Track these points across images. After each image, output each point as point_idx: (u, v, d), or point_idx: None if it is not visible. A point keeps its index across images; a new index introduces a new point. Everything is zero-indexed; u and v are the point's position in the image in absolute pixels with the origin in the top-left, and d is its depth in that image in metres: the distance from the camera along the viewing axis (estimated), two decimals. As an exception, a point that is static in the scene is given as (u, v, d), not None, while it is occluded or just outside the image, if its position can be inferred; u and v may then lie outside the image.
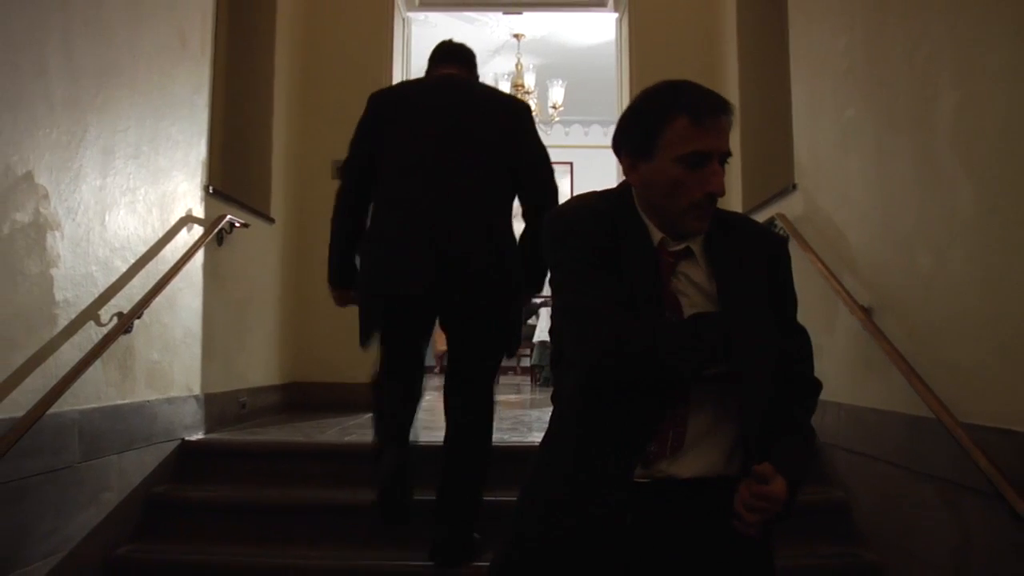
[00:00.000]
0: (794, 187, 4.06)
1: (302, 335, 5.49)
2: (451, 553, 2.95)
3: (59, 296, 2.76)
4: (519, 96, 9.44)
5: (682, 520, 1.52)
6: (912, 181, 2.91)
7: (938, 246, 2.73)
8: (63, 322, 2.78)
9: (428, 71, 3.30)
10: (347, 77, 5.74)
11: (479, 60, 3.50)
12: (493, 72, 9.98)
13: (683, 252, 1.57)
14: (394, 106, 3.11)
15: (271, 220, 4.94)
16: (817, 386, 1.72)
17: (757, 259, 1.60)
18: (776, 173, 4.54)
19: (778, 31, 4.39)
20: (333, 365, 5.51)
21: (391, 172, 3.00)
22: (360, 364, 5.45)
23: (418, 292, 2.87)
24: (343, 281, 3.18)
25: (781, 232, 3.97)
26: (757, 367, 1.53)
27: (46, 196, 2.68)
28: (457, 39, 3.35)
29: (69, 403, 2.75)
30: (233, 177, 4.66)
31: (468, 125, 3.01)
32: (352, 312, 5.25)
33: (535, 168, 3.11)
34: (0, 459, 2.33)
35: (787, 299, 1.67)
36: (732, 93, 5.14)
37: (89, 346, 2.87)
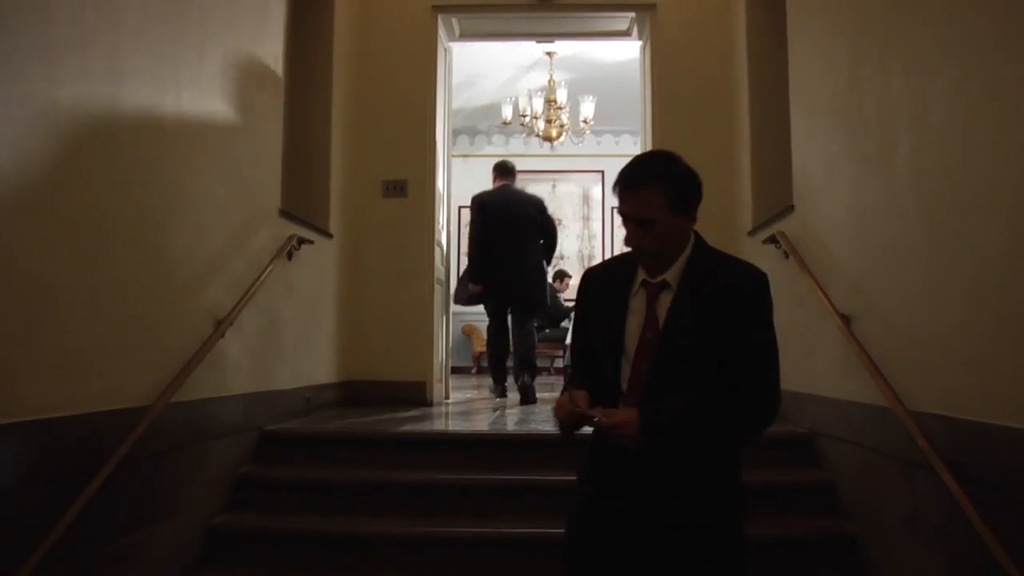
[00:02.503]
0: (792, 208, 4.60)
1: (356, 338, 6.12)
2: (528, 397, 6.39)
3: (173, 308, 3.38)
4: (552, 111, 10.03)
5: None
6: (878, 208, 3.45)
7: (896, 263, 3.28)
8: (175, 328, 3.40)
9: (494, 178, 7.20)
10: (395, 104, 6.37)
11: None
12: (527, 88, 10.52)
13: (661, 284, 2.12)
14: (488, 204, 6.83)
15: (329, 236, 5.57)
16: (754, 397, 2.10)
17: (720, 294, 2.08)
18: (781, 194, 5.06)
19: (784, 66, 4.91)
20: (384, 365, 6.14)
21: (491, 238, 6.70)
22: (408, 364, 6.11)
23: (506, 294, 6.76)
24: (479, 281, 6.78)
25: (784, 249, 4.51)
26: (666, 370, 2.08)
27: (163, 225, 3.30)
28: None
29: (181, 395, 3.35)
30: (297, 197, 5.26)
31: (519, 213, 6.76)
32: (399, 317, 5.92)
33: (548, 233, 6.91)
34: (141, 438, 2.95)
35: (751, 326, 2.09)
36: (743, 120, 5.69)
37: (195, 348, 3.49)
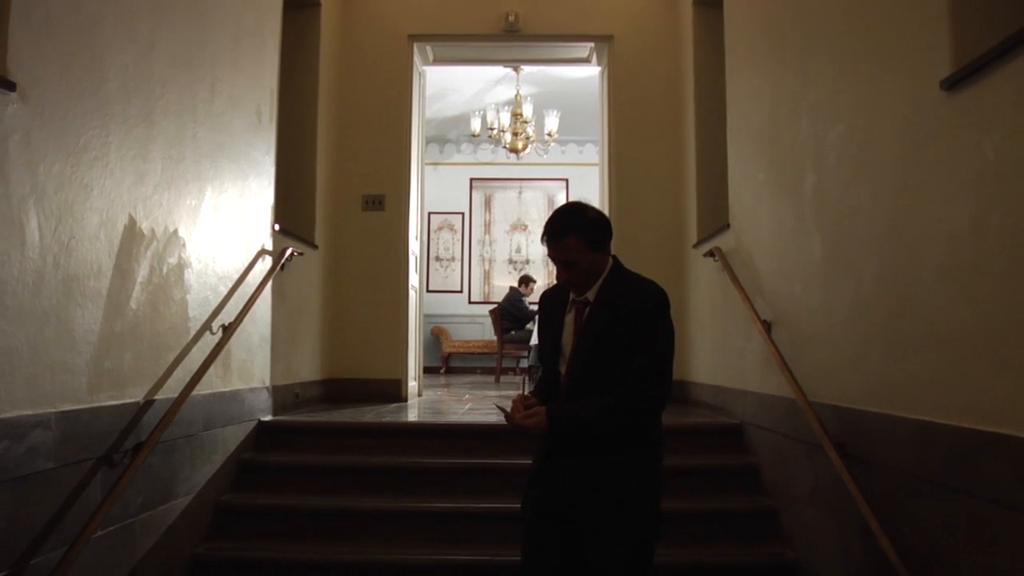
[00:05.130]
0: (728, 226, 5.24)
1: (338, 339, 6.70)
2: None
3: (191, 314, 3.94)
4: (518, 125, 10.62)
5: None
6: (791, 231, 4.10)
7: (802, 278, 3.93)
8: (193, 332, 3.96)
9: None
10: (374, 124, 6.95)
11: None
12: (495, 101, 11.13)
13: (584, 302, 2.72)
14: None
15: (315, 247, 6.13)
16: (639, 392, 2.57)
17: (623, 306, 2.65)
18: (721, 212, 5.70)
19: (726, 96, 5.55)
20: (363, 364, 6.73)
21: None
22: (384, 364, 6.69)
23: None
24: None
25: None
26: (581, 365, 2.67)
27: (184, 245, 3.86)
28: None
29: (197, 390, 3.89)
30: (288, 212, 5.83)
31: None
32: (377, 320, 6.50)
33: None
34: (169, 425, 3.51)
35: (646, 333, 2.62)
36: (690, 143, 6.35)
37: (208, 349, 4.05)
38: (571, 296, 2.76)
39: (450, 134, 13.48)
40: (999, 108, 2.37)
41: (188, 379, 3.80)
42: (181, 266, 3.84)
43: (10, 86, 2.56)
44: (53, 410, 2.82)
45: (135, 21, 3.38)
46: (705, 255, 5.56)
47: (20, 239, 2.64)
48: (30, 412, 2.69)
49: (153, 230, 3.55)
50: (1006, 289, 2.33)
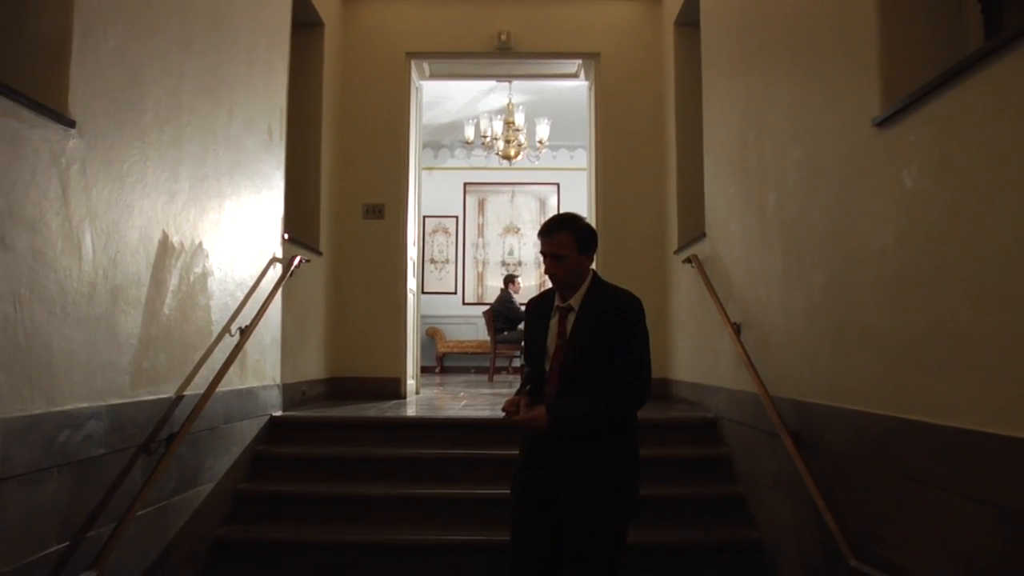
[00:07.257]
0: (704, 235, 5.66)
1: (341, 340, 7.13)
2: None
3: (213, 318, 4.35)
4: (510, 132, 11.02)
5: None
6: (757, 242, 4.52)
7: (766, 285, 4.35)
8: (215, 334, 4.37)
9: None
10: (374, 137, 7.37)
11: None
12: (488, 109, 11.53)
13: (567, 308, 3.11)
14: None
15: (320, 253, 6.54)
16: (625, 388, 2.99)
17: (605, 314, 3.05)
18: (699, 221, 6.11)
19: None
20: (364, 363, 7.16)
21: None
22: (384, 363, 7.09)
23: None
24: None
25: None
26: (569, 366, 3.05)
27: (207, 256, 4.26)
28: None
29: (219, 387, 4.29)
30: (294, 221, 6.22)
31: None
32: (377, 322, 6.88)
33: None
34: (196, 419, 3.91)
35: (627, 336, 3.04)
36: (672, 155, 6.77)
37: (228, 350, 4.45)
38: (555, 303, 3.16)
39: (444, 140, 13.86)
40: (916, 146, 2.79)
41: (212, 377, 4.21)
42: (205, 275, 4.24)
43: (71, 123, 2.97)
44: (103, 403, 3.23)
45: (167, 56, 3.79)
46: (684, 261, 5.99)
47: (78, 255, 3.05)
48: (85, 405, 3.10)
49: (182, 243, 3.95)
50: (920, 298, 2.76)
